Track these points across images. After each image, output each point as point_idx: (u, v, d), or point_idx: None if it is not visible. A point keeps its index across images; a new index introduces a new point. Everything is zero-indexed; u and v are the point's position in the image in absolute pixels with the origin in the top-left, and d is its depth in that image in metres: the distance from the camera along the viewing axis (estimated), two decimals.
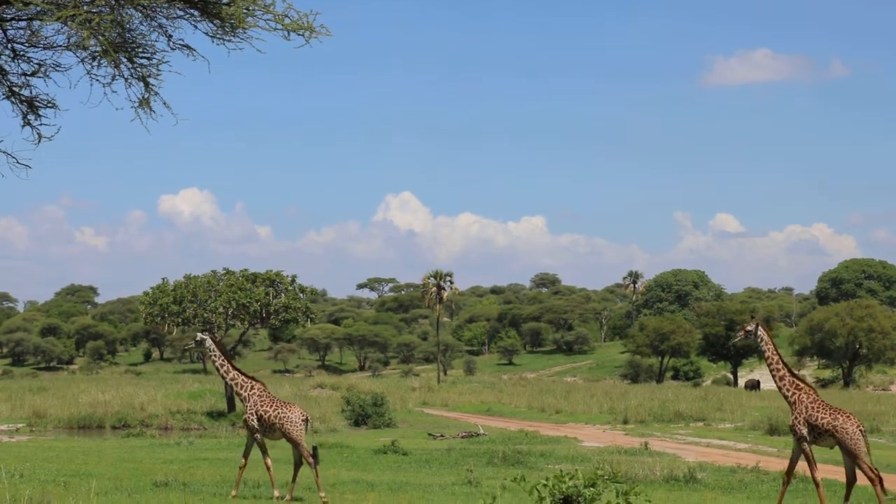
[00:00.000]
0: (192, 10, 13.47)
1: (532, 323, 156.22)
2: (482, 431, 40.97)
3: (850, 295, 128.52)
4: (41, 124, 14.29)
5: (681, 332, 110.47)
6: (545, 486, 14.61)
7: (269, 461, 20.21)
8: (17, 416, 51.47)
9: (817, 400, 18.19)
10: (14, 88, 14.22)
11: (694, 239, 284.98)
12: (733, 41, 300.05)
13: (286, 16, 13.14)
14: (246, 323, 55.54)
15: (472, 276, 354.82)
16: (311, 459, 19.47)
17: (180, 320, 53.68)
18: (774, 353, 18.46)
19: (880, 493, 17.97)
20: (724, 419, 49.29)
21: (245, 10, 13.18)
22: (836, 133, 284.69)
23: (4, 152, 14.20)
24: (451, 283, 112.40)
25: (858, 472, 18.16)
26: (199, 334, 20.72)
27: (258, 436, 19.96)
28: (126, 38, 13.62)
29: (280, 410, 19.65)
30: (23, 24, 13.84)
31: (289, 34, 13.16)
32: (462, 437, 38.98)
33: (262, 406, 19.81)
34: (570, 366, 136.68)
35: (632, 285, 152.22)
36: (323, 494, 19.27)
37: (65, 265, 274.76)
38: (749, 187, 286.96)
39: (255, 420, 19.81)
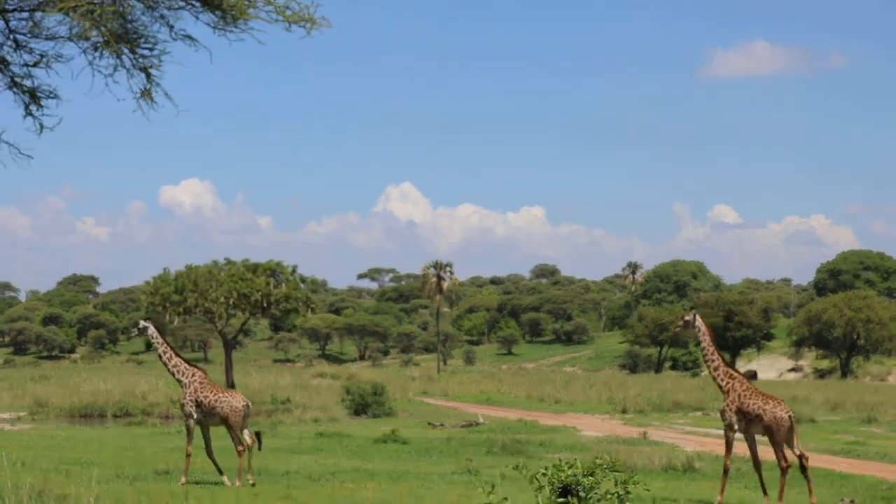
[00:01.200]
0: (193, 1, 13.52)
1: (531, 313, 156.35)
2: (482, 421, 41.09)
3: (849, 286, 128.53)
4: (43, 115, 14.35)
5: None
6: (544, 474, 14.72)
7: (190, 449, 20.47)
8: (19, 405, 51.61)
9: (749, 388, 18.62)
10: (16, 79, 14.27)
11: (692, 230, 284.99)
12: (731, 33, 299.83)
13: (287, 7, 13.19)
14: (247, 312, 55.64)
15: (471, 267, 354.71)
16: (240, 448, 19.94)
17: (182, 310, 53.76)
18: (710, 343, 19.03)
19: (783, 482, 18.40)
20: None
21: (246, 2, 13.23)
22: (835, 124, 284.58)
23: (6, 143, 14.27)
24: (451, 273, 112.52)
25: (798, 449, 18.44)
26: (141, 321, 21.07)
27: (191, 422, 20.30)
28: (128, 29, 13.66)
29: (220, 396, 20.05)
30: (25, 14, 13.89)
31: (290, 25, 13.20)
32: (462, 427, 39.10)
33: (201, 392, 20.15)
34: (569, 356, 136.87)
35: (631, 276, 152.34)
36: (250, 478, 19.69)
37: (66, 255, 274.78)
38: (747, 178, 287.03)
39: (193, 406, 20.16)
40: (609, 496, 14.01)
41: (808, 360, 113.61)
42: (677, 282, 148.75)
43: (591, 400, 56.57)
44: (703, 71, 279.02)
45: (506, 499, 13.69)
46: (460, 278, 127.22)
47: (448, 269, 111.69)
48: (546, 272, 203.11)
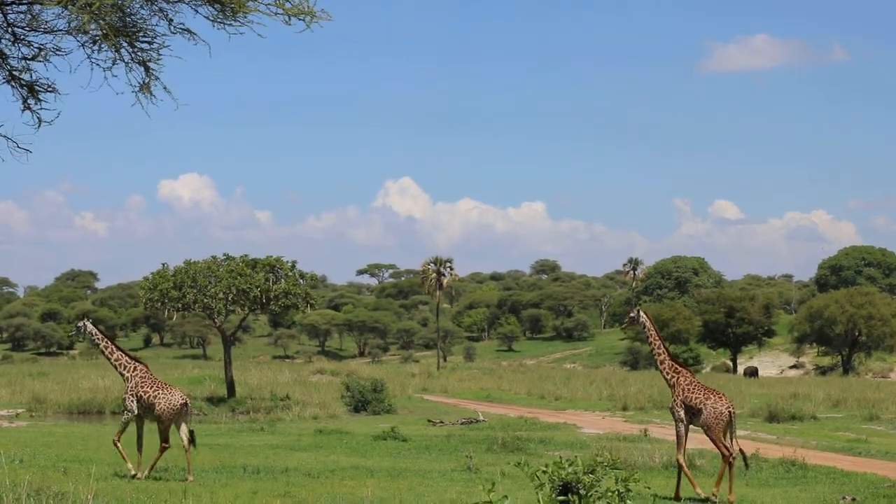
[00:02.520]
0: None
1: (532, 309, 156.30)
2: (481, 418, 41.01)
3: (850, 282, 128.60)
4: (41, 109, 14.26)
5: (680, 318, 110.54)
6: (544, 472, 14.63)
7: (116, 439, 20.68)
8: (17, 402, 51.52)
9: (693, 382, 18.98)
10: (14, 72, 14.17)
11: (693, 225, 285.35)
12: (732, 27, 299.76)
13: (287, 0, 13.09)
14: (246, 309, 55.48)
15: (471, 263, 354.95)
16: (166, 444, 20.13)
17: (180, 306, 53.56)
18: (657, 338, 19.32)
19: (723, 470, 18.66)
20: None
21: None
22: (836, 119, 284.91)
23: (5, 136, 14.17)
24: (451, 269, 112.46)
25: (735, 444, 18.81)
26: (79, 321, 21.15)
27: (129, 416, 20.46)
28: (126, 23, 13.57)
29: (160, 392, 20.15)
30: (23, 7, 13.80)
31: (289, 19, 13.11)
32: (461, 424, 39.02)
33: (142, 387, 20.23)
34: (569, 352, 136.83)
35: (632, 272, 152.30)
36: (190, 476, 19.79)
37: (64, 250, 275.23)
38: (748, 174, 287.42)
39: (134, 401, 20.29)
40: (610, 494, 13.92)
41: (810, 356, 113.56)
42: (678, 278, 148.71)
43: (591, 397, 56.49)
44: (704, 65, 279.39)
45: (506, 496, 13.60)
46: (460, 274, 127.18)
47: (448, 264, 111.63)
48: (546, 268, 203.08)
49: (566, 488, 14.28)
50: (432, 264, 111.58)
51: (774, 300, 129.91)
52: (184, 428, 20.35)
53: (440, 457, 26.13)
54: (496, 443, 28.34)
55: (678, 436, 19.17)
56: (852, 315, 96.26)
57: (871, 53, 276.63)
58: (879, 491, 19.95)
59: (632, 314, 19.75)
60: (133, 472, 20.08)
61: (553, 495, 14.20)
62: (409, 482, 20.21)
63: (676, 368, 19.18)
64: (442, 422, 39.94)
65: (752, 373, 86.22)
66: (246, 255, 55.28)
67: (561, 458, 14.63)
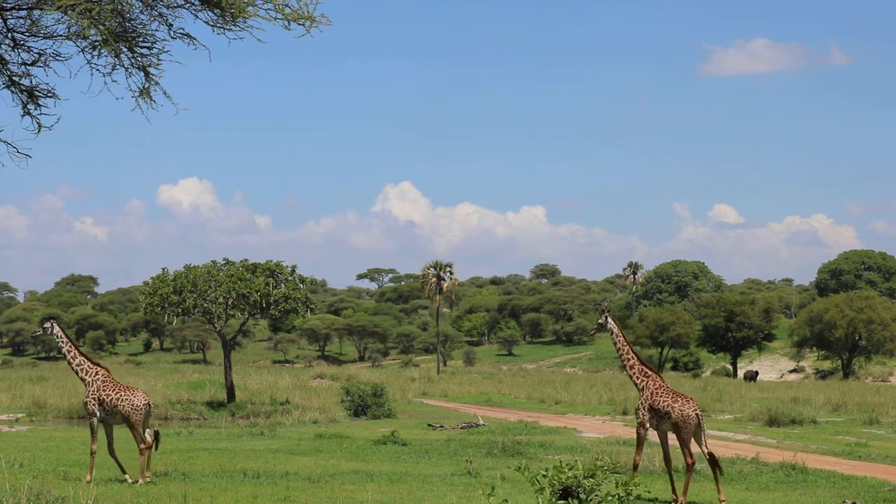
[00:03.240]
0: (192, 0, 13.44)
1: (532, 314, 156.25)
2: (482, 422, 40.99)
3: (850, 286, 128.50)
4: (41, 114, 14.27)
5: (680, 323, 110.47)
6: (545, 476, 14.64)
7: (94, 447, 20.68)
8: (17, 406, 51.50)
9: (662, 386, 19.22)
10: (14, 78, 14.19)
11: (693, 230, 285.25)
12: (731, 31, 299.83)
13: (287, 5, 13.11)
14: (246, 313, 55.49)
15: (471, 267, 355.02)
16: (142, 446, 20.23)
17: (180, 310, 53.54)
18: (624, 343, 19.70)
19: (688, 479, 18.85)
20: (724, 410, 49.34)
21: (245, 0, 13.15)
22: (835, 123, 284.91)
23: (4, 142, 14.18)
24: (451, 273, 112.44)
25: (706, 447, 18.95)
26: (45, 322, 21.24)
27: (94, 420, 20.55)
28: (126, 28, 13.58)
29: (122, 394, 20.36)
30: (23, 13, 13.80)
31: (289, 23, 13.12)
32: (461, 428, 39.01)
33: (104, 390, 20.44)
34: (569, 357, 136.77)
35: (632, 276, 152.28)
36: (148, 476, 20.06)
37: (64, 255, 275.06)
38: (747, 178, 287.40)
39: (96, 404, 20.45)
40: (610, 498, 13.94)
41: (810, 360, 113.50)
42: (678, 282, 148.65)
43: (591, 401, 56.48)
44: (704, 69, 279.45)
45: (506, 501, 13.61)
46: (460, 279, 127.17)
47: (448, 269, 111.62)
48: (546, 272, 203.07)
49: (566, 492, 14.29)
50: (432, 269, 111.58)
51: (774, 304, 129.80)
52: (147, 430, 20.47)
53: (440, 461, 26.13)
54: (496, 447, 28.33)
55: (638, 438, 19.48)
56: (852, 319, 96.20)
57: (871, 57, 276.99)
58: (880, 495, 19.96)
59: (600, 320, 20.14)
60: (89, 479, 20.13)
61: (553, 499, 14.21)
62: (409, 486, 20.21)
63: (646, 372, 19.48)
64: (442, 426, 39.92)
65: (751, 377, 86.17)
66: (246, 260, 55.31)
67: (561, 462, 14.64)
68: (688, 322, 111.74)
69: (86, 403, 20.59)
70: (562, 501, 14.20)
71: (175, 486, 19.56)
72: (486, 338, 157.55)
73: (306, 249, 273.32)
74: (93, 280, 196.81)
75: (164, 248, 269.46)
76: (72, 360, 20.85)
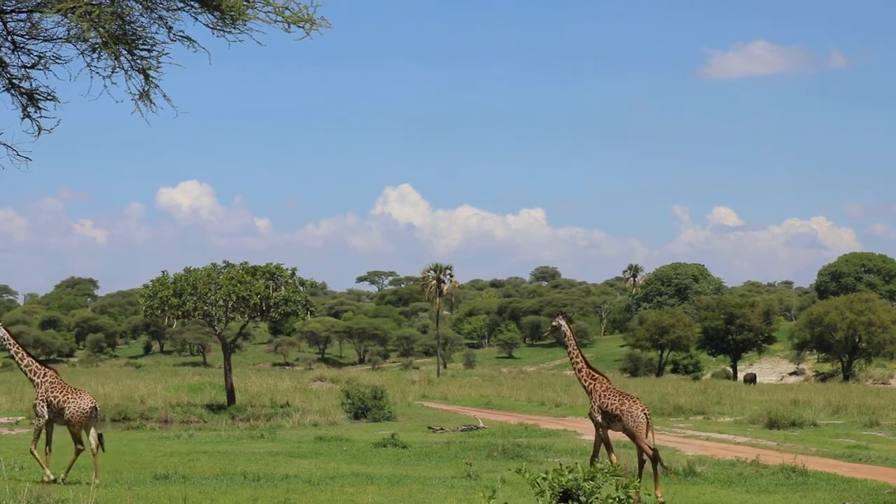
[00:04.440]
0: (192, 2, 13.43)
1: (532, 316, 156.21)
2: (482, 425, 40.98)
3: (850, 289, 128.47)
4: (41, 117, 14.27)
5: (680, 325, 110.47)
6: (545, 479, 14.63)
7: (35, 446, 20.77)
8: (17, 409, 51.46)
9: (610, 388, 19.74)
10: (14, 81, 14.18)
11: (693, 232, 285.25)
12: (731, 33, 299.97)
13: (286, 8, 13.11)
14: (246, 316, 55.49)
15: (471, 270, 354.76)
16: (79, 447, 20.37)
17: (180, 313, 53.55)
18: (575, 347, 20.15)
19: (657, 471, 19.10)
20: (724, 413, 49.33)
21: (245, 2, 13.15)
22: (835, 125, 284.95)
23: (4, 144, 14.18)
24: (451, 276, 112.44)
25: (651, 444, 19.36)
26: None
27: (42, 422, 20.61)
28: (126, 30, 13.58)
29: (68, 396, 20.41)
30: (23, 15, 13.80)
31: (289, 26, 13.12)
32: (461, 431, 38.99)
33: (52, 392, 20.50)
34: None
35: (631, 279, 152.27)
36: (98, 480, 20.10)
37: (64, 257, 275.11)
38: (747, 180, 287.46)
39: (45, 406, 20.52)
40: (610, 501, 13.92)
41: (810, 363, 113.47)
42: (678, 285, 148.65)
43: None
44: (703, 72, 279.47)
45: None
46: (460, 281, 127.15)
47: (448, 271, 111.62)
48: (546, 275, 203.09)
49: (566, 495, 14.28)
50: (432, 271, 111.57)
51: (774, 307, 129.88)
52: (93, 432, 20.72)
53: (440, 464, 26.11)
54: (496, 450, 28.31)
55: (603, 440, 19.86)
56: (852, 321, 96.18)
57: (870, 59, 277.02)
58: (880, 497, 19.94)
59: (554, 323, 20.57)
60: (51, 478, 20.21)
61: (553, 502, 14.20)
62: (409, 489, 20.20)
63: (593, 375, 19.97)
64: (442, 429, 39.90)
65: (750, 379, 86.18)
66: (246, 263, 55.31)
67: (561, 464, 14.63)
68: (688, 324, 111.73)
69: (34, 405, 20.70)
70: None
71: (175, 489, 19.54)
72: (486, 340, 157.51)
73: (306, 252, 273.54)
74: (93, 283, 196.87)
75: (163, 251, 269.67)
76: (20, 362, 20.93)
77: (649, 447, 19.10)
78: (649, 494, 16.48)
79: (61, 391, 20.52)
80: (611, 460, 19.54)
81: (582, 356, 20.17)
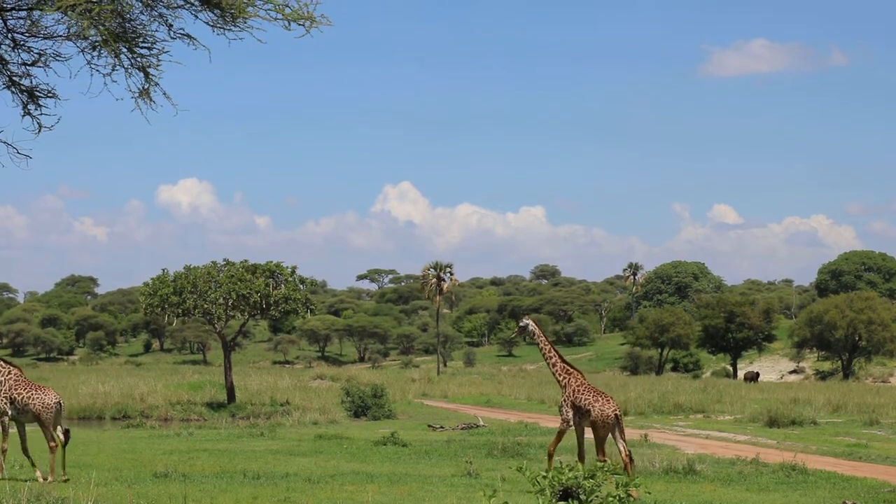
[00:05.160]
0: (192, 0, 13.42)
1: (532, 314, 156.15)
2: (482, 423, 40.98)
3: (850, 287, 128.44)
4: (41, 114, 14.25)
5: (680, 323, 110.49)
6: (545, 477, 14.63)
7: (5, 445, 20.89)
8: None
9: (584, 384, 19.99)
10: (14, 78, 14.17)
11: (693, 230, 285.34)
12: (731, 31, 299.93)
13: (286, 5, 13.09)
14: (246, 314, 55.50)
15: (471, 268, 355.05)
16: (52, 444, 20.48)
17: (180, 311, 53.58)
18: (546, 343, 20.45)
19: (630, 469, 19.19)
20: (724, 411, 49.33)
21: (245, 0, 13.13)
22: (835, 123, 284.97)
23: (4, 142, 14.17)
24: (451, 274, 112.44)
25: (623, 445, 19.64)
26: None
27: (5, 419, 20.76)
28: (126, 28, 13.56)
29: (33, 393, 20.67)
30: (23, 13, 13.79)
31: (289, 24, 13.10)
32: (462, 429, 39.00)
33: (16, 389, 20.70)
34: (569, 357, 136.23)
35: (632, 277, 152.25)
36: (65, 475, 20.23)
37: (64, 255, 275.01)
38: (747, 178, 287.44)
39: (7, 403, 20.69)
40: (610, 499, 13.92)
41: (810, 361, 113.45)
42: (678, 283, 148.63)
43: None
44: (703, 70, 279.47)
45: (506, 503, 13.60)
46: (460, 279, 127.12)
47: (448, 270, 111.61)
48: (546, 273, 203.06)
49: (566, 493, 14.28)
50: (432, 269, 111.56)
51: (774, 305, 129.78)
52: (58, 427, 20.70)
53: (440, 462, 26.11)
54: (496, 448, 28.31)
55: (559, 433, 20.31)
56: (852, 320, 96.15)
57: (870, 57, 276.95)
58: (880, 496, 19.93)
59: (521, 323, 20.98)
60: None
61: (553, 500, 14.20)
62: (409, 487, 20.19)
63: (568, 371, 20.21)
64: (442, 427, 39.91)
65: (752, 378, 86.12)
66: (246, 261, 55.32)
67: (561, 462, 14.63)
68: (688, 323, 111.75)
69: None
70: (562, 502, 14.18)
71: (175, 487, 19.54)
72: (486, 338, 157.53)
73: (306, 250, 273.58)
74: (93, 281, 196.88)
75: (163, 249, 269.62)
76: None
77: (603, 452, 19.35)
78: (649, 493, 16.47)
79: (25, 388, 20.67)
80: (550, 451, 20.09)
81: (555, 351, 20.40)
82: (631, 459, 19.30)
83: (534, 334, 20.54)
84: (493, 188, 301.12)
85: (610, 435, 19.73)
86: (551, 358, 20.30)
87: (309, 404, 52.25)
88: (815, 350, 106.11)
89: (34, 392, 20.66)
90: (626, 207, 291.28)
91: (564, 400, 19.94)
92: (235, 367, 65.27)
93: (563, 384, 20.09)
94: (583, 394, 19.68)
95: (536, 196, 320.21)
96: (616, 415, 19.48)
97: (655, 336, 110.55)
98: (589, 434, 20.31)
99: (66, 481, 19.89)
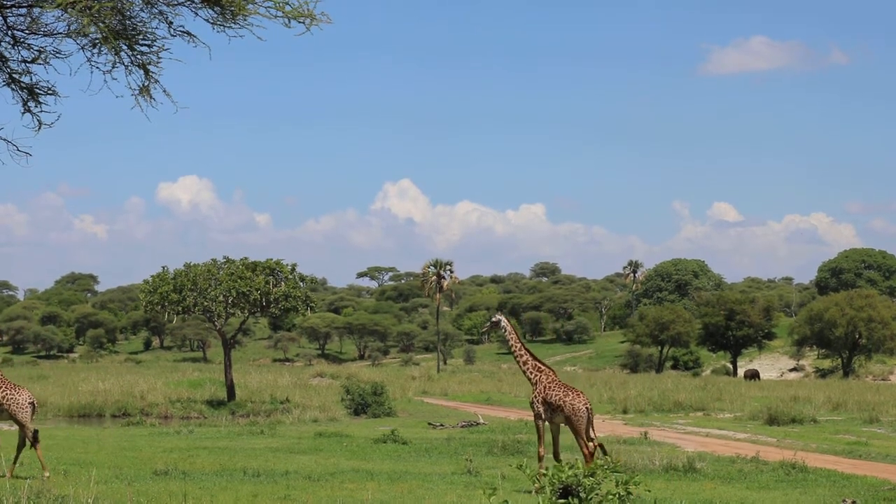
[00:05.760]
0: None
1: (532, 312, 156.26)
2: (482, 421, 40.98)
3: (850, 285, 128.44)
4: (41, 111, 14.24)
5: (680, 321, 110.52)
6: (545, 475, 14.63)
7: None
8: None
9: (555, 380, 20.11)
10: (14, 75, 14.16)
11: (692, 228, 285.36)
12: (730, 29, 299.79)
13: (286, 3, 13.08)
14: (246, 311, 55.48)
15: (471, 265, 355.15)
16: (31, 440, 20.52)
17: (180, 309, 53.56)
18: (517, 340, 20.49)
19: (589, 462, 19.00)
20: (724, 409, 49.32)
21: None
22: (835, 121, 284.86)
23: (5, 140, 14.16)
24: (451, 272, 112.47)
25: (594, 439, 19.78)
26: None
27: None
28: (126, 25, 13.55)
29: (8, 392, 20.64)
30: (23, 10, 13.78)
31: (289, 21, 13.09)
32: (461, 427, 38.99)
33: None
34: (569, 355, 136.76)
35: (632, 275, 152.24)
36: (47, 473, 20.12)
37: (64, 252, 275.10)
38: (746, 176, 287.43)
39: None
40: (610, 497, 13.92)
41: (810, 359, 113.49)
42: (678, 281, 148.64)
43: (591, 399, 56.17)
44: (703, 68, 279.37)
45: (506, 501, 13.59)
46: (460, 277, 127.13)
47: (448, 267, 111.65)
48: (546, 271, 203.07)
49: (566, 491, 14.28)
50: (432, 267, 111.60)
51: (774, 303, 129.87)
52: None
53: (440, 460, 26.11)
54: (496, 446, 28.31)
55: (538, 429, 20.29)
56: (852, 318, 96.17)
57: (870, 56, 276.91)
58: (880, 494, 19.93)
59: (493, 319, 21.07)
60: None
61: (554, 498, 14.20)
62: (409, 485, 20.19)
63: (539, 367, 20.29)
64: (442, 425, 39.91)
65: (752, 375, 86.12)
66: (246, 258, 55.29)
67: (561, 461, 14.62)
68: (688, 320, 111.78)
69: None
70: (562, 500, 14.18)
71: (175, 485, 19.53)
72: (487, 336, 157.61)
73: (306, 248, 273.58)
74: (93, 278, 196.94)
75: (163, 246, 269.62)
76: None
77: (590, 441, 19.50)
78: (649, 491, 16.46)
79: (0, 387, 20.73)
80: (539, 452, 20.04)
81: (525, 348, 20.49)
82: (603, 451, 19.42)
83: (505, 330, 20.57)
84: (493, 186, 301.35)
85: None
86: (522, 356, 20.39)
87: (309, 402, 52.25)
88: (815, 348, 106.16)
89: (8, 392, 20.73)
90: (626, 205, 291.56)
91: (535, 396, 20.02)
92: (235, 365, 65.29)
93: (533, 381, 20.20)
94: (553, 390, 19.81)
95: (536, 194, 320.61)
96: (587, 408, 19.62)
97: (655, 334, 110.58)
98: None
99: (13, 478, 19.88)
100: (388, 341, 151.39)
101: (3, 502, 15.37)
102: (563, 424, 20.10)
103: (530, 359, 20.37)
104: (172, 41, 13.66)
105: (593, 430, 19.76)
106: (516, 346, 20.42)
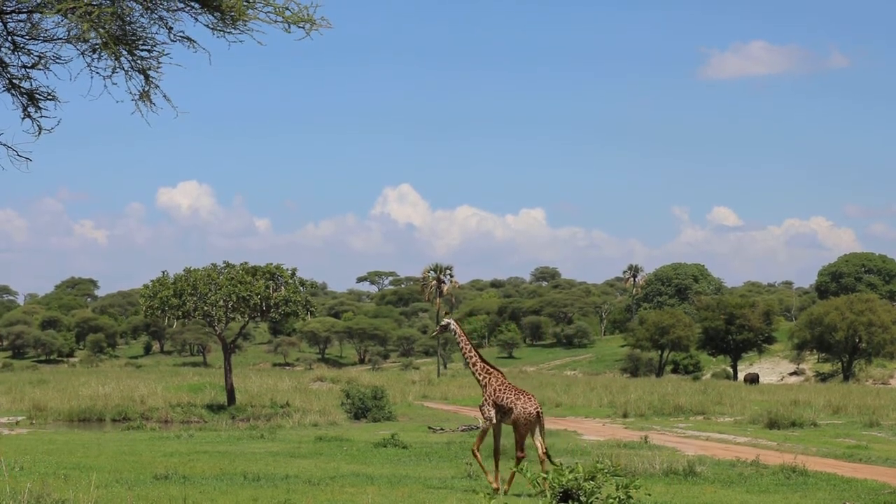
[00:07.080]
0: (192, 2, 13.42)
1: (532, 316, 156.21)
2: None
3: (850, 289, 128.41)
4: (41, 117, 14.25)
5: (680, 325, 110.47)
6: (545, 478, 14.64)
7: None
8: (18, 409, 51.50)
9: (504, 383, 20.18)
10: (14, 81, 14.17)
11: (692, 232, 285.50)
12: (729, 33, 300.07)
13: (287, 8, 13.10)
14: (246, 316, 55.50)
15: (471, 270, 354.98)
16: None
17: (181, 313, 53.58)
18: (467, 343, 20.64)
19: (544, 466, 19.28)
20: (724, 413, 49.33)
21: (245, 2, 13.14)
22: (834, 125, 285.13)
23: (5, 145, 14.17)
24: (451, 276, 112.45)
25: (542, 444, 19.92)
26: None
27: None
28: (126, 31, 13.57)
29: None
30: (23, 16, 13.80)
31: (289, 26, 13.11)
32: (462, 431, 39.00)
33: None
34: (569, 359, 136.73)
35: (632, 279, 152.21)
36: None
37: (64, 258, 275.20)
38: (746, 180, 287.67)
39: None
40: (610, 501, 13.93)
41: (810, 363, 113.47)
42: (678, 285, 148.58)
43: (591, 404, 56.45)
44: (703, 72, 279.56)
45: None
46: (460, 281, 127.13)
47: (448, 272, 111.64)
48: (546, 275, 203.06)
49: (567, 495, 14.30)
50: (432, 271, 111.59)
51: (774, 307, 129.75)
52: None
53: (440, 464, 26.12)
54: None
55: (483, 431, 20.59)
56: (852, 322, 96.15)
57: (870, 59, 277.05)
58: (880, 497, 19.94)
59: (443, 322, 21.13)
60: None
61: (554, 502, 14.22)
62: (409, 489, 20.20)
63: (488, 370, 20.41)
64: (442, 429, 39.91)
65: (752, 379, 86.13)
66: (246, 263, 55.32)
67: (561, 464, 14.64)
68: (688, 325, 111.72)
69: None
70: None
71: (175, 489, 19.54)
72: (487, 340, 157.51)
73: (306, 252, 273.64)
74: (93, 283, 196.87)
75: (163, 251, 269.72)
76: None
77: (522, 449, 19.65)
78: (649, 494, 16.48)
79: None
80: (475, 450, 20.56)
81: (475, 351, 20.59)
82: (548, 457, 19.52)
83: (455, 333, 20.70)
84: (492, 190, 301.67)
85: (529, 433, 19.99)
86: (471, 358, 20.48)
87: (309, 406, 52.25)
88: (815, 352, 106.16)
89: None
90: (625, 210, 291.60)
91: (485, 399, 20.05)
92: (235, 370, 65.27)
93: (483, 384, 20.24)
94: (504, 392, 19.87)
95: (536, 198, 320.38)
96: (538, 412, 19.66)
97: (655, 338, 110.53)
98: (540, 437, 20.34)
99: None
100: (388, 346, 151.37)
101: None
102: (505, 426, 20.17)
103: (479, 361, 20.44)
104: (172, 46, 13.68)
105: (543, 435, 19.86)
106: (466, 349, 20.52)
